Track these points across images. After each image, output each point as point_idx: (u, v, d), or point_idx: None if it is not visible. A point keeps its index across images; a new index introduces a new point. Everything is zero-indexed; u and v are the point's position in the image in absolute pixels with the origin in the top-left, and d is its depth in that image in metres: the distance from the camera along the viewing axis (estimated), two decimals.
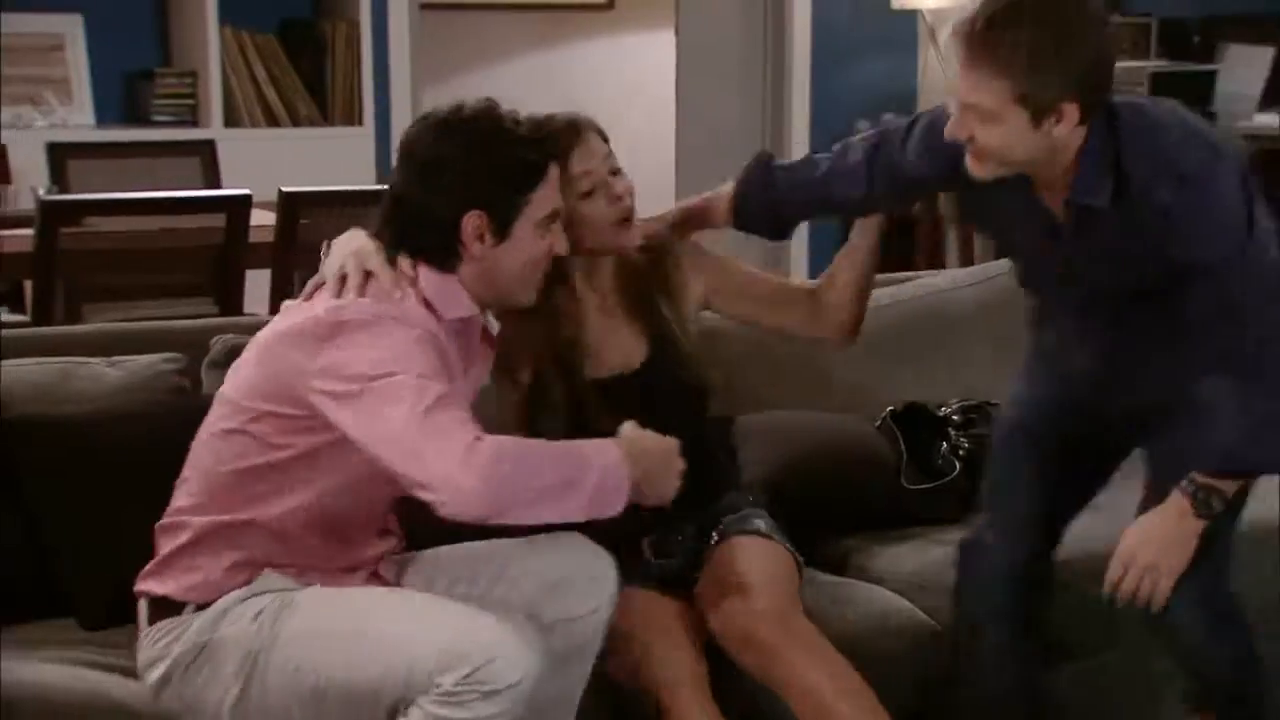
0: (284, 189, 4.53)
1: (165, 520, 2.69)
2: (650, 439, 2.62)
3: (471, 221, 2.60)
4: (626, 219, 2.90)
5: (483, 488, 2.41)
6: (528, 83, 7.78)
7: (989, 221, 2.95)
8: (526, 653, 2.49)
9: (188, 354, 3.29)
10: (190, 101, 6.40)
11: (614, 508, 2.54)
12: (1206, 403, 2.70)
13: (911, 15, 7.55)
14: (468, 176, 2.60)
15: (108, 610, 2.92)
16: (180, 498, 2.69)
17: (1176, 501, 2.72)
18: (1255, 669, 2.87)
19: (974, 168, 2.67)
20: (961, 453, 3.51)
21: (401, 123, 6.77)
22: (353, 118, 6.61)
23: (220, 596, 2.61)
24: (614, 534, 2.78)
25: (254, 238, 4.53)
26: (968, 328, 3.86)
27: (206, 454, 2.67)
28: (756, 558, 2.95)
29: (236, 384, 2.66)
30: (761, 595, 2.87)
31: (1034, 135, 2.59)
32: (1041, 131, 2.59)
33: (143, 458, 3.00)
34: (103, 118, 6.41)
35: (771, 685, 2.83)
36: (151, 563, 2.68)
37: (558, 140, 2.76)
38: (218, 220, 4.41)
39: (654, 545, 3.01)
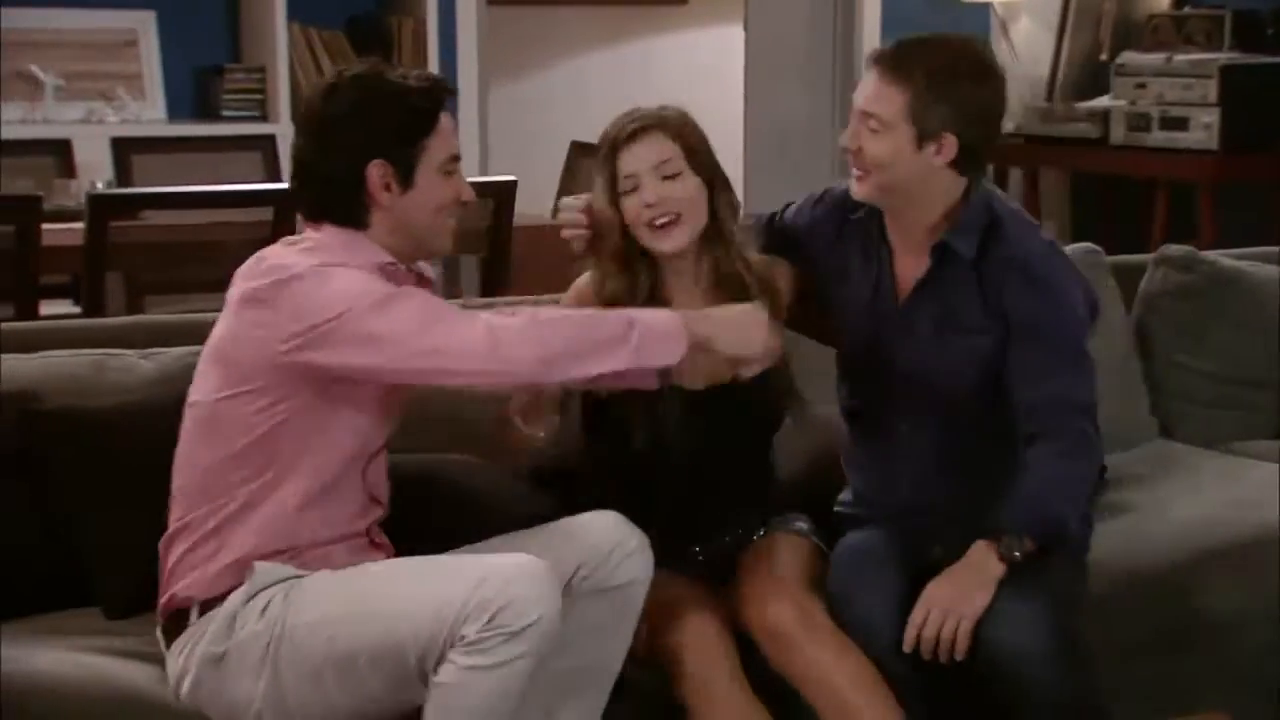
0: None
1: (164, 539, 2.75)
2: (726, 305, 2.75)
3: (375, 171, 2.66)
4: (655, 226, 2.92)
5: (524, 348, 2.56)
6: (597, 79, 7.84)
7: (830, 292, 3.04)
8: (542, 591, 2.53)
9: None
10: (259, 96, 6.51)
11: (670, 354, 2.62)
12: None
13: (984, 7, 7.49)
14: (364, 129, 2.67)
15: (131, 599, 2.96)
16: (174, 511, 2.75)
17: (980, 548, 2.79)
18: (1098, 704, 2.84)
19: (856, 187, 2.90)
20: None
21: (469, 118, 6.85)
22: None
23: (218, 594, 2.65)
24: (664, 541, 2.86)
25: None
26: None
27: (188, 460, 2.74)
28: (788, 553, 3.00)
29: (200, 387, 2.73)
30: (786, 589, 2.90)
31: (915, 158, 2.82)
32: (923, 155, 2.82)
33: (167, 449, 3.00)
34: (174, 113, 6.53)
35: (791, 678, 2.85)
36: (160, 585, 2.74)
37: (444, 89, 2.78)
38: (266, 214, 4.47)
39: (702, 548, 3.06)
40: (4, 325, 3.46)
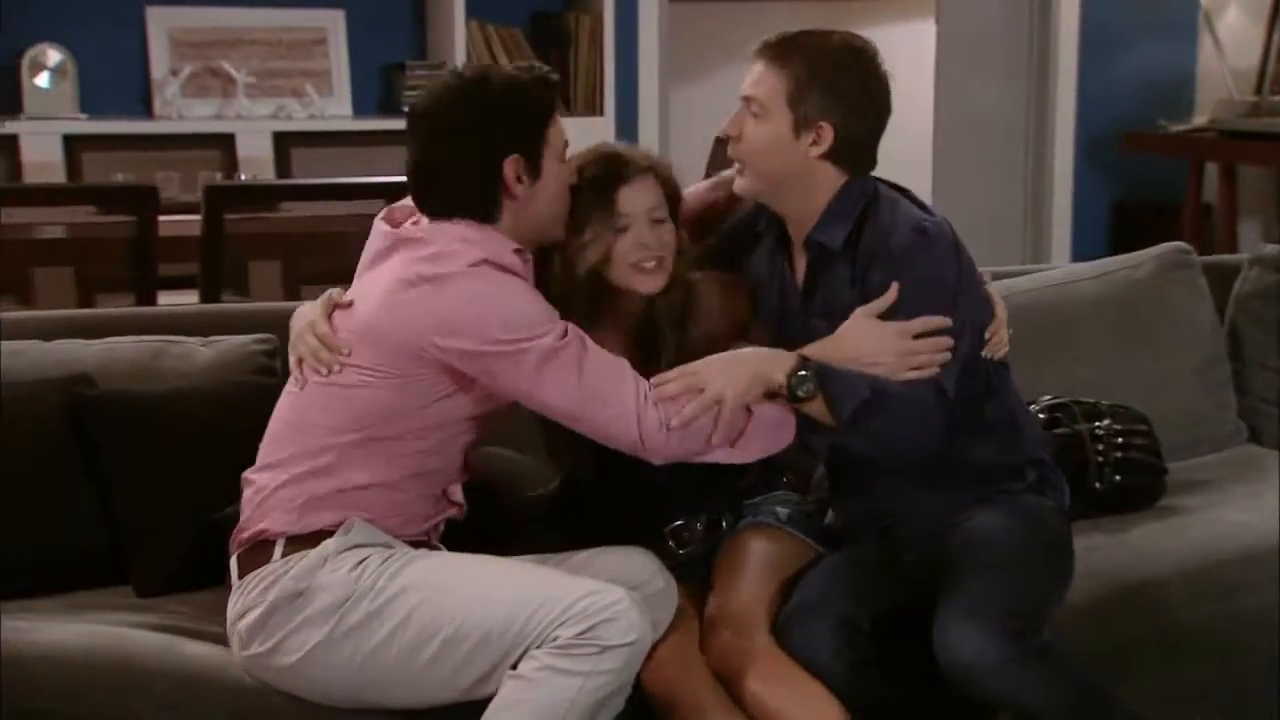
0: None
1: (249, 473, 2.85)
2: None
3: (510, 167, 2.75)
4: (642, 268, 2.93)
5: (662, 454, 2.72)
6: None
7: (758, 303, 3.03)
8: (643, 619, 2.62)
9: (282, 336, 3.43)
10: None
11: (781, 441, 2.79)
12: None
13: None
14: (495, 127, 2.75)
15: (164, 579, 3.10)
16: (269, 449, 2.84)
17: (780, 357, 2.76)
18: (1087, 703, 2.73)
19: (739, 183, 2.92)
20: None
21: (649, 114, 6.93)
22: (594, 108, 6.78)
23: (307, 533, 2.74)
24: (636, 522, 2.95)
25: None
26: (1082, 323, 3.78)
27: (297, 406, 2.83)
28: (754, 558, 2.96)
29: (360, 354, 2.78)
30: (727, 616, 2.87)
31: (793, 146, 2.84)
32: (800, 145, 2.84)
33: (216, 435, 3.17)
34: (359, 109, 6.73)
35: (743, 707, 2.82)
36: (243, 519, 2.84)
37: (551, 78, 2.84)
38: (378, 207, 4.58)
39: (674, 534, 3.05)
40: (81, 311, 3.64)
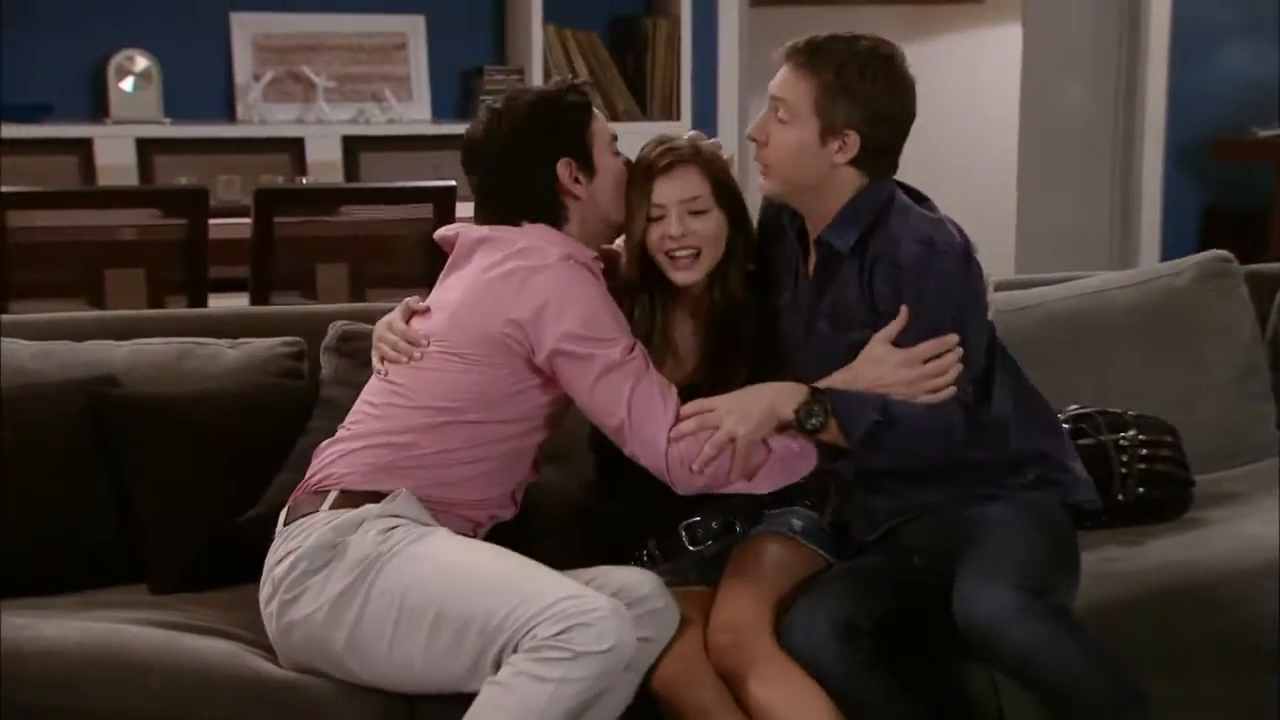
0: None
1: (334, 442, 2.95)
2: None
3: (564, 170, 2.93)
4: (674, 258, 2.99)
5: (684, 488, 2.85)
6: None
7: (769, 287, 3.07)
8: (624, 632, 2.65)
9: (311, 339, 3.47)
10: None
11: (803, 470, 2.90)
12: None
13: None
14: (542, 137, 2.93)
15: (178, 577, 3.14)
16: (362, 423, 2.94)
17: (788, 392, 2.82)
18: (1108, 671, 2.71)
19: (763, 183, 2.94)
20: None
21: (728, 119, 6.91)
22: (671, 112, 6.78)
23: (360, 489, 2.85)
24: (653, 518, 3.01)
25: None
26: (1117, 331, 3.74)
27: (407, 384, 2.93)
28: (766, 563, 2.97)
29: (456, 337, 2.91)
30: (730, 616, 2.88)
31: (819, 153, 2.86)
32: (826, 152, 2.86)
33: (235, 436, 3.24)
34: (438, 113, 6.78)
35: (743, 707, 2.83)
36: (306, 476, 2.94)
37: (579, 85, 3.01)
38: (427, 211, 4.65)
39: (688, 529, 3.07)
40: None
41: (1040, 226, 7.31)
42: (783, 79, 2.89)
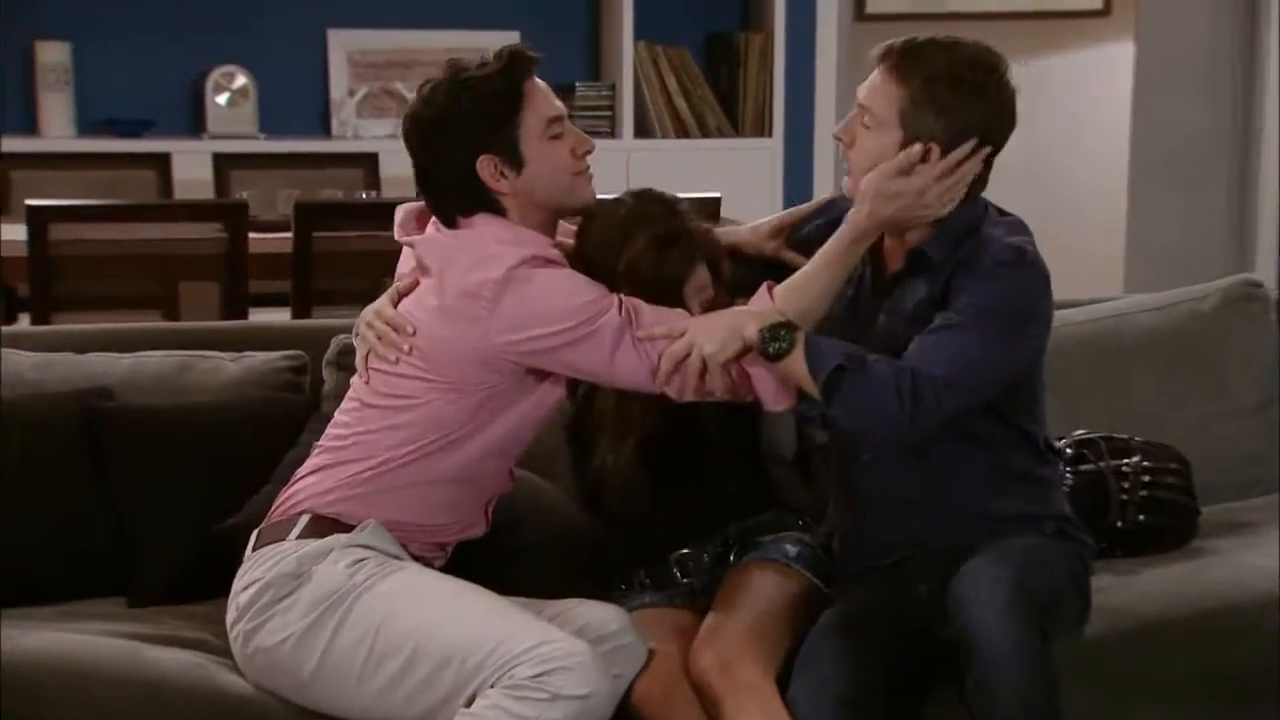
0: None
1: (305, 474, 2.89)
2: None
3: (485, 167, 2.77)
4: None
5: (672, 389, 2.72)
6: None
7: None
8: (601, 677, 2.61)
9: (316, 353, 3.46)
10: (608, 113, 6.69)
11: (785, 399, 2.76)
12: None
13: None
14: (458, 131, 2.78)
15: (158, 591, 3.14)
16: (333, 455, 2.87)
17: (755, 312, 2.72)
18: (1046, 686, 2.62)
19: (848, 183, 2.81)
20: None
21: (825, 135, 6.83)
22: (763, 129, 6.73)
23: (329, 515, 2.80)
24: (646, 547, 3.00)
25: None
26: (1137, 355, 3.63)
27: (347, 411, 2.89)
28: (752, 592, 2.92)
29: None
30: (716, 639, 2.84)
31: None
32: None
33: (228, 450, 3.24)
34: None
35: None
36: (276, 501, 2.90)
37: (522, 59, 2.86)
38: None
39: (679, 562, 3.04)
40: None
41: (1151, 240, 7.13)
42: (871, 84, 2.78)
